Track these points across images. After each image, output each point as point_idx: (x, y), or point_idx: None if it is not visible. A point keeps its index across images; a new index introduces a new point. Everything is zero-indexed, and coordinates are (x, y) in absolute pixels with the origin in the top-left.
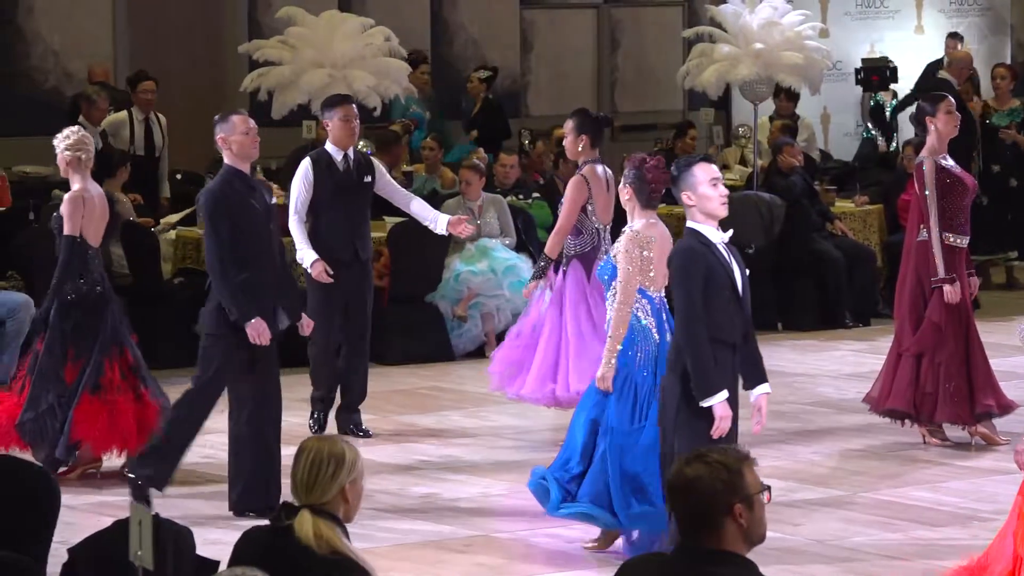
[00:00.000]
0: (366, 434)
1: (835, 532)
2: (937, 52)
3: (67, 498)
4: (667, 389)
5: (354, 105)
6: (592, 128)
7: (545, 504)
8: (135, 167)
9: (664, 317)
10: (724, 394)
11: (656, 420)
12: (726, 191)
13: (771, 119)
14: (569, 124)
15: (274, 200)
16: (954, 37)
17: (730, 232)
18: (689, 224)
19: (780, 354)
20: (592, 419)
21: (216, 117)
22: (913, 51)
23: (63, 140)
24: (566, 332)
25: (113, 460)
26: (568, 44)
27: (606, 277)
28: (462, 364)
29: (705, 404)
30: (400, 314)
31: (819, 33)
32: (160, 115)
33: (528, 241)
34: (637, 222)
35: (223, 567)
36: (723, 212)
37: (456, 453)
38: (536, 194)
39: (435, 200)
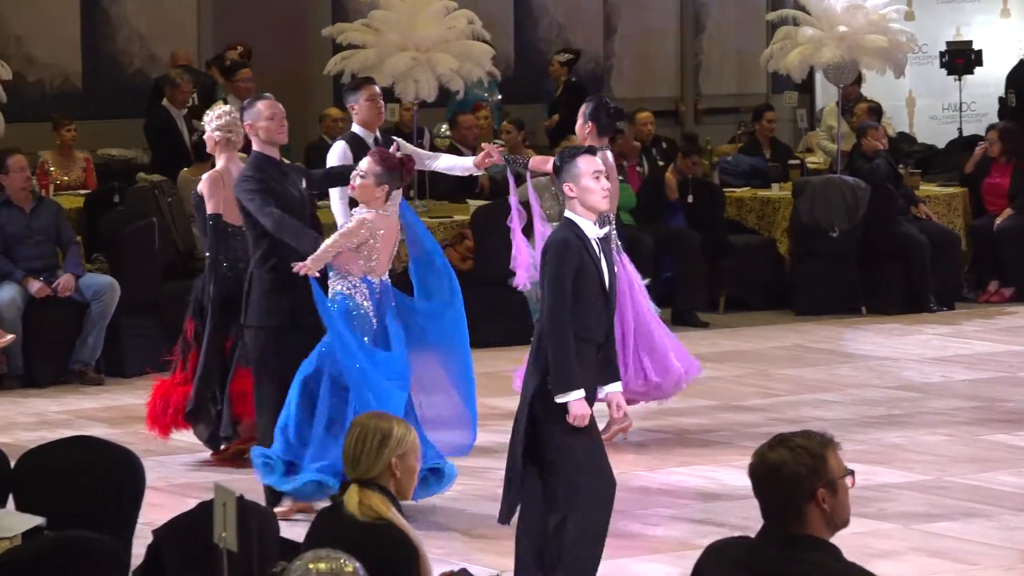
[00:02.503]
0: None
1: (920, 516)
2: (1023, 36)
3: (152, 480)
4: (531, 392)
5: (376, 86)
6: (604, 118)
7: (268, 477)
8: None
9: (384, 299)
10: (581, 392)
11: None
12: (608, 185)
13: (840, 104)
14: (583, 108)
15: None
16: None
17: (607, 228)
18: (567, 214)
19: (864, 338)
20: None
21: (244, 104)
22: (999, 35)
23: (215, 119)
24: None
25: None
26: (652, 27)
27: None
28: None
29: (560, 400)
30: (484, 297)
31: (904, 16)
32: None
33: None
34: (371, 212)
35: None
36: (604, 206)
37: None
38: (620, 177)
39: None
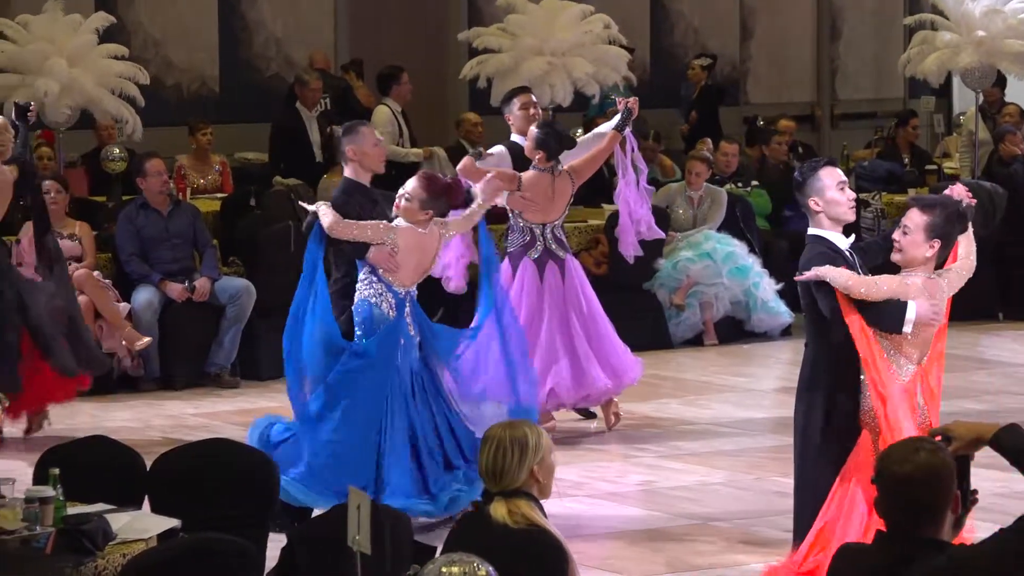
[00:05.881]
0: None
1: None
2: None
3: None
4: (804, 410)
5: (532, 94)
6: (554, 149)
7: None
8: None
9: (414, 314)
10: (913, 305)
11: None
12: (853, 195)
13: (980, 109)
14: (533, 133)
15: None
16: None
17: (852, 237)
18: (812, 231)
19: (1001, 344)
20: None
21: (344, 127)
22: None
23: None
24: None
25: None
26: (788, 32)
27: None
28: (680, 352)
29: (908, 323)
30: (618, 302)
31: None
32: None
33: (747, 229)
34: (405, 224)
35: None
36: (851, 216)
37: (674, 441)
38: (755, 182)
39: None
